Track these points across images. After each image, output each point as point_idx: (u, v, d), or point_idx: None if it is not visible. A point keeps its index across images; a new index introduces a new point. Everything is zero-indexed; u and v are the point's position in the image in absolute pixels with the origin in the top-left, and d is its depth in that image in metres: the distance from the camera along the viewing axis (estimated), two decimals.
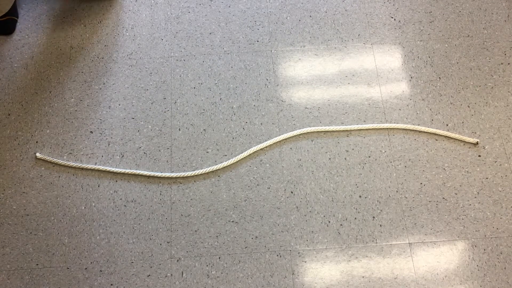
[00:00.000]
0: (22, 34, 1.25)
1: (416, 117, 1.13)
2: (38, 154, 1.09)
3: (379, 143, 1.11)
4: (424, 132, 1.11)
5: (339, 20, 1.25)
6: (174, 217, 1.05)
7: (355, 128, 1.11)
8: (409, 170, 1.08)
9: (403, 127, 1.11)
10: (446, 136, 1.10)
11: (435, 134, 1.10)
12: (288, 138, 1.11)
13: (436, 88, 1.16)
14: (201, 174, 1.08)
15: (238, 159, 1.08)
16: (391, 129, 1.12)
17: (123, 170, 1.08)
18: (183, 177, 1.08)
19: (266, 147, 1.10)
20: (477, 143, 1.09)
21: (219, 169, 1.08)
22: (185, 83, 1.18)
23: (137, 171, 1.08)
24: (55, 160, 1.09)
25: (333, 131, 1.11)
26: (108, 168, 1.08)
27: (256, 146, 1.09)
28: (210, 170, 1.08)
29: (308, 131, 1.11)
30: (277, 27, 1.24)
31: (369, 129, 1.11)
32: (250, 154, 1.09)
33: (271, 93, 1.17)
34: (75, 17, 1.27)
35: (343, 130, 1.11)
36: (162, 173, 1.08)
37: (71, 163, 1.09)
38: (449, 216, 1.04)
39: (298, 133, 1.11)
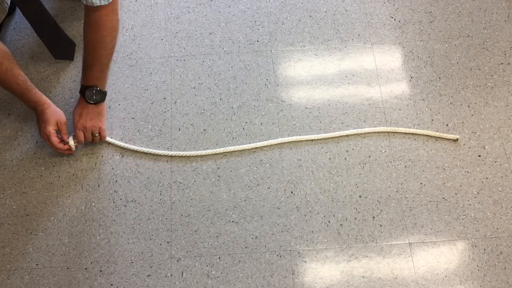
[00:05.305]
0: (22, 34, 1.25)
1: (416, 117, 1.13)
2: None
3: (379, 143, 1.11)
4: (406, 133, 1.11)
5: (339, 20, 1.25)
6: (174, 217, 1.05)
7: (348, 133, 1.11)
8: (409, 170, 1.08)
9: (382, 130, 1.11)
10: (425, 135, 1.10)
11: (413, 134, 1.10)
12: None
13: (436, 88, 1.16)
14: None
15: (237, 149, 1.09)
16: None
17: (129, 146, 1.11)
18: (182, 157, 1.08)
19: (265, 146, 1.10)
20: (457, 139, 1.09)
21: (217, 156, 1.08)
22: (185, 83, 1.18)
23: (142, 148, 1.10)
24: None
25: (333, 137, 1.11)
26: (113, 141, 1.11)
27: (255, 143, 1.09)
28: (210, 152, 1.09)
29: (307, 138, 1.11)
30: (277, 27, 1.24)
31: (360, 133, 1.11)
32: (249, 149, 1.10)
33: (271, 93, 1.16)
34: (75, 17, 1.27)
35: (338, 136, 1.11)
36: (161, 151, 1.08)
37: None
38: (449, 216, 1.04)
39: (297, 139, 1.10)
